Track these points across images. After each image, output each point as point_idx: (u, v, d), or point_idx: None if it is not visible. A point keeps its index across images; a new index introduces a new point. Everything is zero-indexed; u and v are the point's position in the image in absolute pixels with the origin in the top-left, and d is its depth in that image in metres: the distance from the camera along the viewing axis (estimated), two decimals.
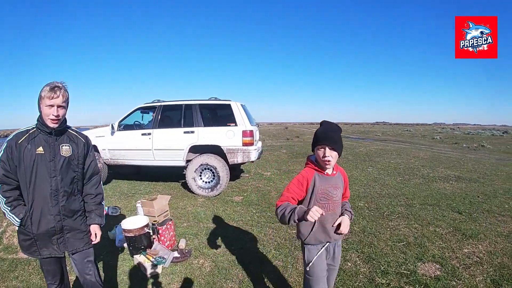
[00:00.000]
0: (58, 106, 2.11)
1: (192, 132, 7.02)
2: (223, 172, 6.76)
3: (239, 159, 6.85)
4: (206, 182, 6.97)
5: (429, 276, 3.43)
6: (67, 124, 2.33)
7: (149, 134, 7.26)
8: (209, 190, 6.86)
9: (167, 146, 7.17)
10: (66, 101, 2.17)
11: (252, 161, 7.14)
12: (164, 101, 7.65)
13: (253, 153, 6.85)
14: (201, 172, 6.98)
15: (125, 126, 7.72)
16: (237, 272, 3.55)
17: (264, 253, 4.02)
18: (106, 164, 7.84)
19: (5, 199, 2.16)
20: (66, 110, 2.22)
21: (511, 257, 3.88)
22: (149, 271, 3.57)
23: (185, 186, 7.27)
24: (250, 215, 5.54)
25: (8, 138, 2.18)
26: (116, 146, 7.58)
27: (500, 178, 8.82)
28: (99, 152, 7.73)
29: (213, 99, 7.45)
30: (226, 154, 6.86)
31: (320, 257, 2.22)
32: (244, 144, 6.78)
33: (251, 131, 6.83)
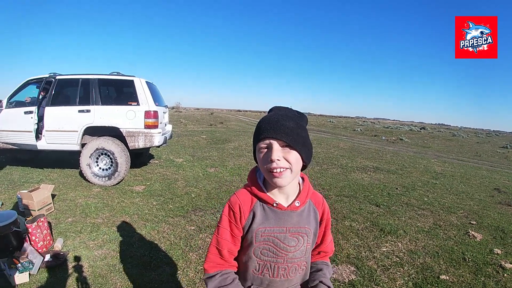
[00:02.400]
0: None
1: (88, 111, 6.18)
2: (122, 158, 6.07)
3: (140, 144, 6.19)
4: (102, 170, 6.23)
5: (342, 281, 3.16)
6: None
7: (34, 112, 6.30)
8: (106, 178, 6.13)
9: (59, 127, 6.24)
10: None
11: (157, 146, 6.55)
12: (59, 74, 6.64)
13: (157, 137, 6.24)
14: (97, 158, 6.21)
15: (16, 103, 6.64)
16: (115, 280, 3.04)
17: (152, 255, 3.53)
18: None
19: None
20: None
21: (434, 257, 3.78)
22: (15, 279, 2.96)
23: (82, 174, 6.44)
24: (149, 207, 5.02)
25: None
26: (3, 126, 6.47)
27: (418, 170, 9.27)
28: None
29: (115, 74, 6.65)
30: (126, 137, 6.16)
31: None
32: (147, 126, 6.15)
33: (155, 112, 6.21)
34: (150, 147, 6.58)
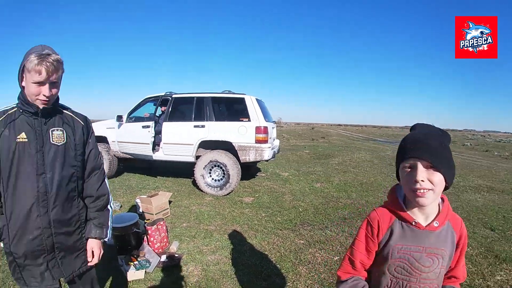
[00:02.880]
0: (51, 83, 1.49)
1: (203, 126, 6.56)
2: (234, 170, 6.23)
3: (251, 157, 6.31)
4: (215, 180, 6.48)
5: None
6: (59, 102, 1.69)
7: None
8: (218, 188, 6.35)
9: (176, 140, 6.76)
10: (61, 75, 1.55)
11: (266, 160, 6.61)
12: (175, 93, 7.25)
13: (267, 152, 6.30)
14: (210, 169, 6.50)
15: (135, 118, 7.40)
16: (227, 285, 2.98)
17: (263, 265, 3.43)
18: (115, 156, 7.55)
19: None
20: (59, 87, 1.58)
21: None
22: (130, 275, 3.10)
23: (195, 183, 6.78)
24: (258, 218, 4.98)
25: None
26: (124, 138, 7.25)
27: None
28: (108, 144, 7.50)
29: (227, 92, 6.97)
30: (238, 151, 6.35)
31: None
32: (257, 141, 6.25)
33: (265, 128, 6.29)
34: (259, 161, 6.67)
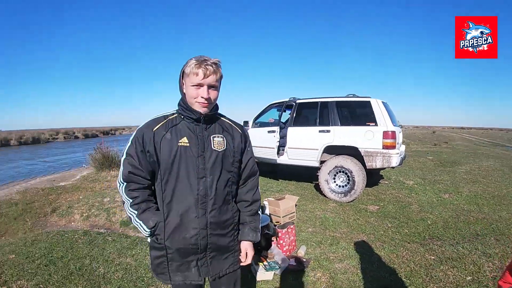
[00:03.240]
0: (210, 86, 1.58)
1: (328, 131, 6.56)
2: (359, 177, 6.09)
3: (378, 164, 6.08)
4: (339, 186, 6.42)
5: None
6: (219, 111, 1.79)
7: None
8: (342, 195, 6.28)
9: (301, 145, 6.89)
10: (220, 79, 1.64)
11: (393, 167, 6.30)
12: (299, 98, 7.42)
13: (395, 158, 5.99)
14: (335, 175, 6.46)
15: (260, 124, 7.75)
16: None
17: (392, 278, 3.31)
18: None
19: (131, 200, 1.65)
20: (219, 92, 1.68)
21: None
22: (259, 275, 3.29)
23: (317, 188, 6.83)
24: (384, 229, 4.80)
25: (138, 127, 1.68)
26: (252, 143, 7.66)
27: None
28: None
29: (351, 96, 6.85)
30: (364, 157, 6.18)
31: None
32: (385, 146, 5.99)
33: (393, 132, 6.00)
34: (386, 168, 6.40)
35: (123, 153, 1.67)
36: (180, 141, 1.61)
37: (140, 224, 1.64)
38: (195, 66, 1.53)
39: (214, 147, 1.66)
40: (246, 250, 1.86)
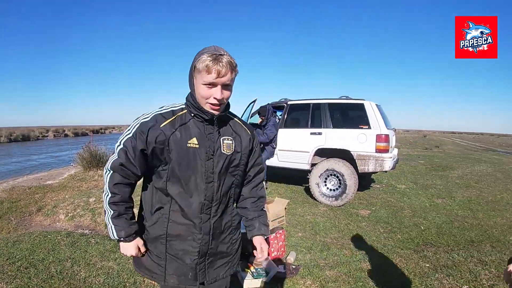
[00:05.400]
0: (223, 86, 1.43)
1: (320, 133, 6.44)
2: (351, 181, 5.99)
3: (370, 168, 5.98)
4: (330, 190, 6.30)
5: None
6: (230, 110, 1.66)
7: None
8: (333, 199, 6.17)
9: (292, 147, 6.76)
10: (234, 78, 1.48)
11: (386, 171, 6.22)
12: (290, 100, 7.29)
13: (388, 162, 5.90)
14: (326, 178, 6.34)
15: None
16: None
17: (386, 287, 3.19)
18: None
19: (110, 195, 1.52)
20: (232, 91, 1.52)
21: None
22: (246, 282, 3.16)
23: (308, 191, 6.70)
24: (376, 234, 4.69)
25: (143, 117, 1.52)
26: None
27: None
28: None
29: (344, 98, 6.74)
30: (356, 160, 6.07)
31: None
32: (378, 150, 5.90)
33: (387, 136, 5.91)
34: (378, 172, 6.33)
35: (120, 142, 1.52)
36: (189, 142, 1.48)
37: (111, 227, 1.53)
38: (209, 63, 1.36)
39: (223, 150, 1.55)
40: (261, 244, 1.75)
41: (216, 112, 1.48)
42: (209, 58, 1.35)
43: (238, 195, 1.77)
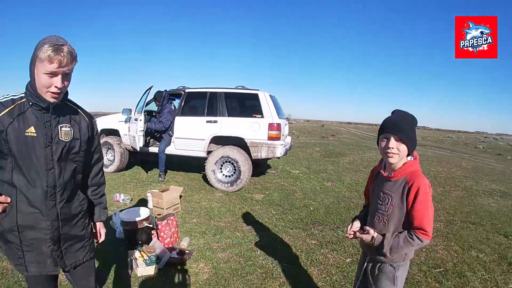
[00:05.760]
0: (64, 75, 1.46)
1: (215, 122, 6.53)
2: (245, 167, 6.21)
3: (263, 154, 6.27)
4: (226, 176, 6.46)
5: None
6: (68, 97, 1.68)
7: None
8: (229, 184, 6.33)
9: (189, 135, 6.73)
10: (73, 67, 1.51)
11: (278, 157, 6.56)
12: (188, 88, 7.24)
13: (279, 149, 6.25)
14: (221, 165, 6.48)
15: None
16: (237, 284, 2.96)
17: (274, 265, 3.40)
18: (127, 150, 7.51)
19: None
20: (71, 79, 1.55)
21: None
22: (140, 270, 3.10)
23: (205, 178, 6.78)
24: (269, 216, 4.94)
25: None
26: (134, 132, 7.12)
27: None
28: (120, 137, 7.48)
29: (240, 87, 6.93)
30: (250, 147, 6.31)
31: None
32: (270, 138, 6.20)
33: (278, 125, 6.23)
34: (271, 158, 6.62)
35: None
36: (27, 130, 1.50)
37: None
38: (51, 53, 1.38)
39: (61, 137, 1.59)
40: (100, 230, 1.98)
41: (54, 100, 1.51)
42: (50, 48, 1.38)
43: (83, 182, 1.83)
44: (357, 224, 1.87)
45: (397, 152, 1.65)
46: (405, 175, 1.69)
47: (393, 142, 1.64)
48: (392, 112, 1.77)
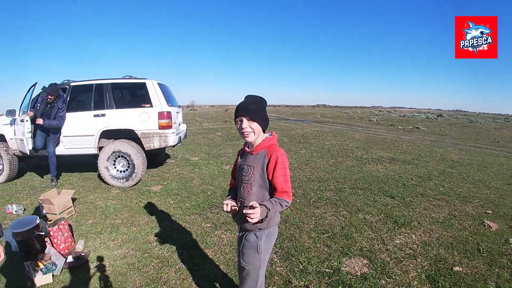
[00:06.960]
0: None
1: (103, 115, 6.35)
2: (139, 160, 6.21)
3: (155, 144, 6.33)
4: (120, 172, 6.40)
5: (354, 274, 3.14)
6: None
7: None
8: (124, 180, 6.29)
9: (76, 132, 6.42)
10: None
11: (172, 146, 6.68)
12: (73, 81, 6.86)
13: (172, 137, 6.37)
14: (114, 161, 6.39)
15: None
16: (135, 278, 3.15)
17: (170, 253, 3.64)
18: (15, 155, 6.85)
19: None
20: None
21: (447, 248, 3.70)
22: (38, 280, 3.10)
23: (101, 176, 6.61)
24: (166, 206, 5.14)
25: None
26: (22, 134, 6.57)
27: (434, 159, 9.15)
28: (6, 142, 6.76)
29: (128, 77, 6.79)
30: (141, 138, 6.31)
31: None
32: (161, 127, 6.28)
33: (169, 113, 6.33)
34: (165, 147, 6.67)
35: None
36: None
37: None
38: None
39: None
40: None
41: None
42: None
43: None
44: (232, 203, 2.01)
45: (251, 130, 1.95)
46: (264, 148, 2.00)
47: (245, 122, 1.93)
48: (245, 97, 2.05)
